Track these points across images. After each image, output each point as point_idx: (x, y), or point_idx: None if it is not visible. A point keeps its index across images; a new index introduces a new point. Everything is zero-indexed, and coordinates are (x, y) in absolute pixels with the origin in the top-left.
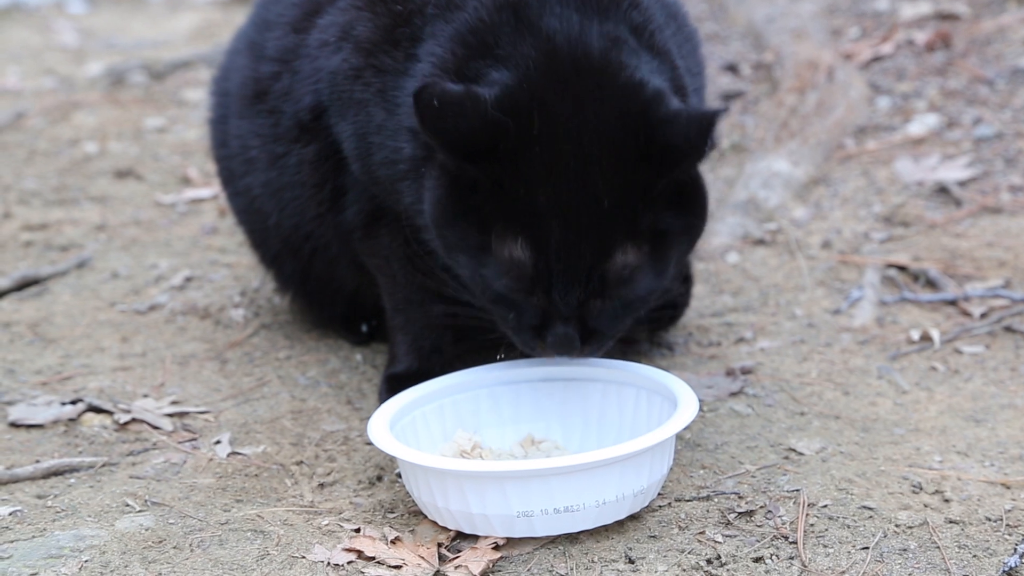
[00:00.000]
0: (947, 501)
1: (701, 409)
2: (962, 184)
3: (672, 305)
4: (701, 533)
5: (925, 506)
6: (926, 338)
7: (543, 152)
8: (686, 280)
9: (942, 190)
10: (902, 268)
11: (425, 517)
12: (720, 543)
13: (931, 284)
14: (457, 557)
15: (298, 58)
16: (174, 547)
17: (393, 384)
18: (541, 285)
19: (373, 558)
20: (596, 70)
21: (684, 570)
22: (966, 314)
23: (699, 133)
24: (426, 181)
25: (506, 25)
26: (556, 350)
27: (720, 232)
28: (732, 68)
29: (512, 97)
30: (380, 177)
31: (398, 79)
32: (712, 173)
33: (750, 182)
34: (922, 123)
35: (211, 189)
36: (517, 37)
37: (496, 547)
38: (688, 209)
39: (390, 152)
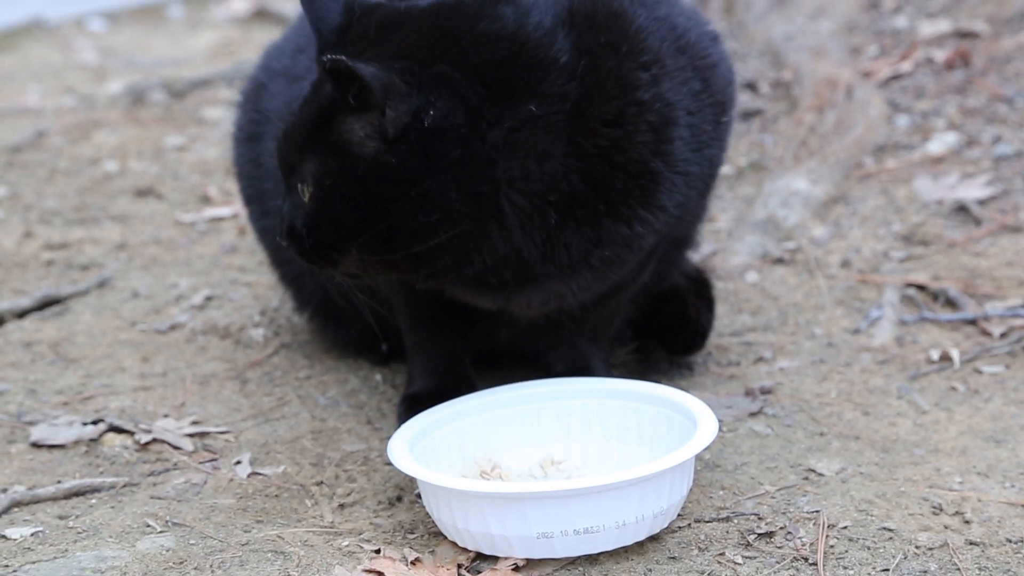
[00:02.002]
0: (967, 522)
1: (720, 429)
2: (981, 203)
3: (696, 332)
4: (721, 555)
5: (945, 527)
6: (946, 358)
7: None
8: (709, 304)
9: (961, 209)
10: (921, 287)
11: (445, 538)
12: (740, 564)
13: (951, 303)
14: None
15: None
16: (195, 568)
17: (410, 404)
18: None
19: None
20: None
21: None
22: (986, 334)
23: None
24: None
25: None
26: None
27: (739, 251)
28: (751, 86)
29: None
30: None
31: None
32: (731, 192)
33: (769, 201)
34: (941, 142)
35: (231, 208)
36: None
37: (516, 568)
38: None
39: None
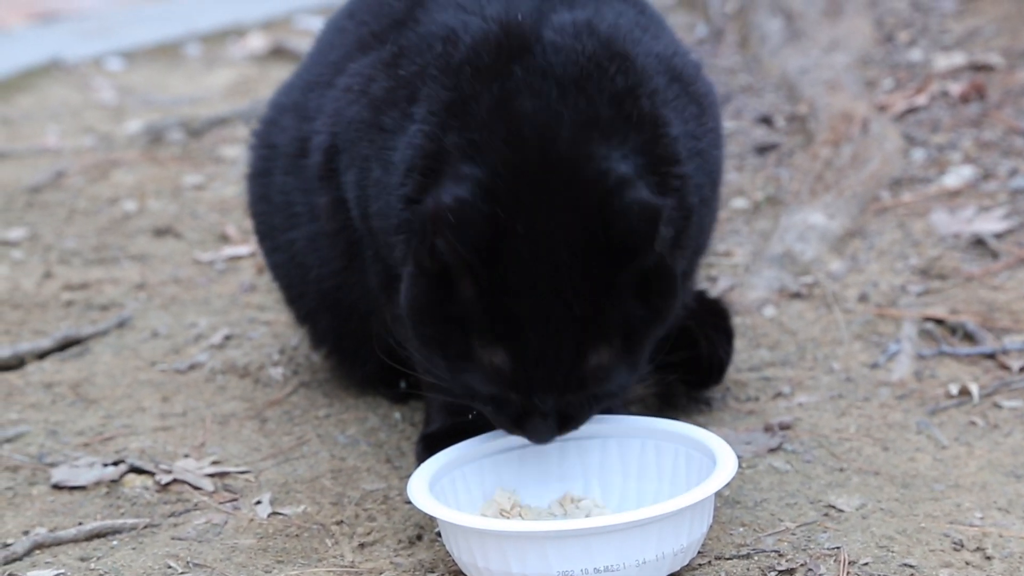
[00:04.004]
0: (989, 559)
1: (740, 466)
2: (998, 236)
3: (711, 367)
4: None
5: (967, 564)
6: (965, 392)
7: (518, 257)
8: (728, 335)
9: (978, 242)
10: (939, 321)
11: None
12: None
13: (969, 337)
14: None
15: (326, 103)
16: None
17: (428, 444)
18: (520, 390)
19: None
20: (563, 164)
21: None
22: (1005, 368)
23: (646, 226)
24: (403, 273)
25: (486, 96)
26: (534, 440)
27: (756, 286)
28: (766, 120)
29: (491, 198)
30: (375, 228)
31: (394, 138)
32: (748, 226)
33: (786, 235)
34: (957, 175)
35: (249, 246)
36: (492, 119)
37: None
38: (655, 295)
39: (383, 205)
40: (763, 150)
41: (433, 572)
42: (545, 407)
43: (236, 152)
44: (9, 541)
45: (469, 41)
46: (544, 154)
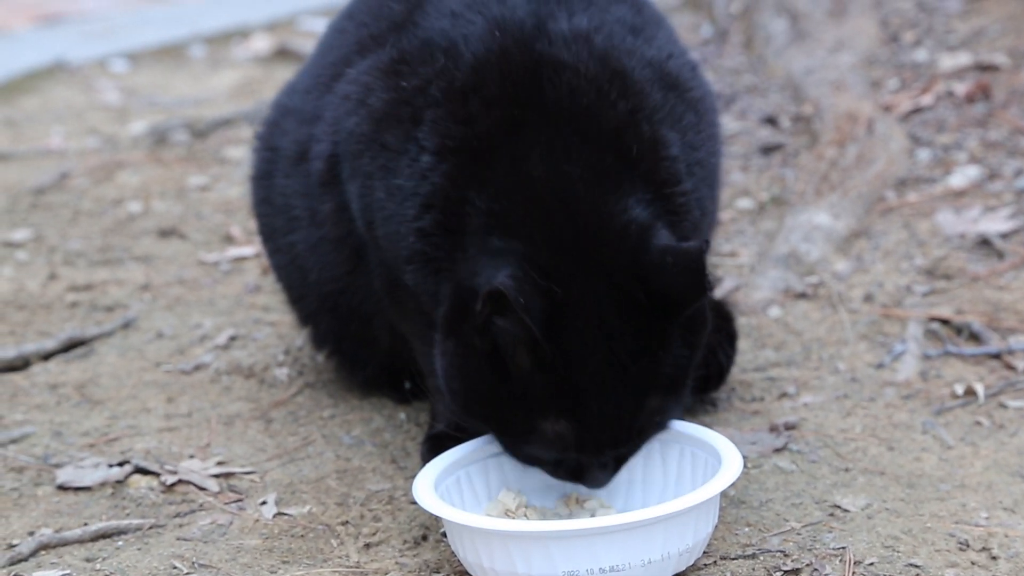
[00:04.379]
0: (994, 558)
1: (745, 466)
2: (1004, 236)
3: (717, 370)
4: None
5: (972, 563)
6: (970, 392)
7: (572, 329)
8: (731, 339)
9: (984, 242)
10: (945, 321)
11: None
12: None
13: (974, 337)
14: None
15: (325, 107)
16: None
17: (433, 444)
18: (585, 452)
19: None
20: (588, 228)
21: None
22: (1010, 368)
23: (693, 275)
24: (443, 347)
25: (500, 151)
26: (593, 488)
27: (761, 286)
28: (771, 120)
29: (542, 273)
30: (384, 248)
31: (398, 159)
32: (753, 226)
33: (791, 235)
34: (963, 175)
35: (254, 247)
36: (511, 186)
37: None
38: (694, 332)
39: (391, 232)
40: (768, 150)
41: (438, 572)
42: (606, 460)
43: (240, 153)
44: (14, 542)
45: (471, 60)
46: (570, 221)
